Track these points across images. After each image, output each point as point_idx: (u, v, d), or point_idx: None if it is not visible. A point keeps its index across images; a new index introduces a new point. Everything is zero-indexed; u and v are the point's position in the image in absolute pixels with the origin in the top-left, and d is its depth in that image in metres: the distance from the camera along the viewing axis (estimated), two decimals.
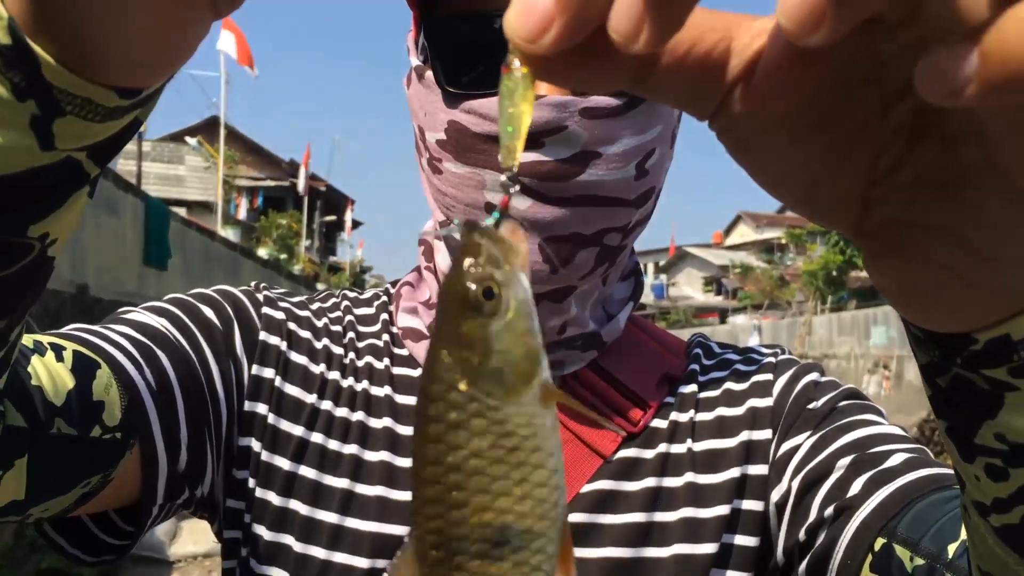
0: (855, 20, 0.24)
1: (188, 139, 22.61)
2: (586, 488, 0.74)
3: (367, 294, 0.89)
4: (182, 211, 14.65)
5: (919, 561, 0.57)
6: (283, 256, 20.13)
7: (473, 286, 0.27)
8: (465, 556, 0.27)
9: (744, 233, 51.32)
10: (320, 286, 21.80)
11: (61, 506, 0.62)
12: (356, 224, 33.94)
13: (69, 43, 0.34)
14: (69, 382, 0.60)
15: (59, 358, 0.61)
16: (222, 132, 17.97)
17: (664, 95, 0.30)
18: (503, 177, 0.31)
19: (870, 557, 0.62)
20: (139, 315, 0.73)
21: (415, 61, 0.75)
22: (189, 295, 0.78)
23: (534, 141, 0.67)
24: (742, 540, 0.74)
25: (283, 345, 0.78)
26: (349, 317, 0.84)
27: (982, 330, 0.32)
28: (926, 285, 0.32)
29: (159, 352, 0.70)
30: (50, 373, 0.59)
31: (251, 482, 0.75)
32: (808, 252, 35.46)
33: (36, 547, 5.20)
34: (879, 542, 0.61)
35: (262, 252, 18.30)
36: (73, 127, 0.36)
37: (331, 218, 31.40)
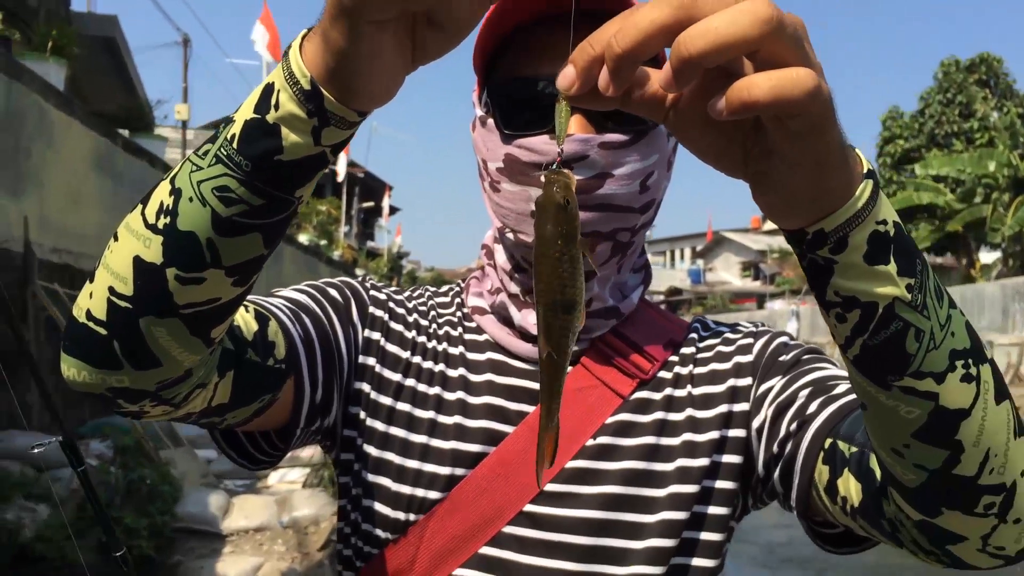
0: (689, 82, 0.50)
1: None
2: (609, 420, 0.96)
3: (443, 288, 1.14)
4: None
5: (854, 449, 0.78)
6: (323, 242, 20.19)
7: (559, 198, 0.60)
8: (557, 310, 0.61)
9: None
10: (359, 271, 21.94)
11: (243, 415, 0.85)
12: (393, 210, 34.26)
13: (341, 88, 0.59)
14: (254, 326, 0.84)
15: (246, 310, 0.85)
16: None
17: (637, 110, 0.55)
18: (556, 150, 0.65)
19: (822, 454, 0.83)
20: (287, 292, 0.98)
21: (479, 112, 0.98)
22: (320, 282, 1.03)
23: (566, 166, 0.92)
24: (729, 458, 0.95)
25: (385, 317, 1.03)
26: (431, 302, 1.09)
27: (809, 226, 0.57)
28: (776, 204, 0.57)
29: (304, 316, 0.94)
30: (243, 318, 0.83)
31: (362, 414, 0.99)
32: None
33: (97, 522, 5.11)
34: (827, 442, 0.83)
35: (303, 238, 18.13)
36: (331, 133, 0.61)
37: (369, 204, 31.86)
